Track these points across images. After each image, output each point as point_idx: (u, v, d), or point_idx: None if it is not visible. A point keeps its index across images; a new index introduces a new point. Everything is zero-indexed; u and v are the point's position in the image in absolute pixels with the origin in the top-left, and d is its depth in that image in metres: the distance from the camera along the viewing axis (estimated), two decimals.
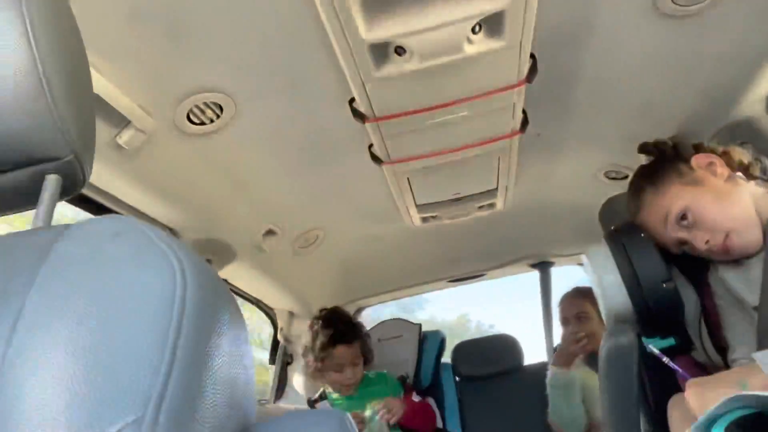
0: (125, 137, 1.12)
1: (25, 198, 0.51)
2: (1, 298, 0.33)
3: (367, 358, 2.15)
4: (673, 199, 1.08)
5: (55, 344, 0.30)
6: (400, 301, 2.98)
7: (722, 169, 1.10)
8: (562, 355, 2.13)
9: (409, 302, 3.28)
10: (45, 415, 0.27)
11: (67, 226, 0.38)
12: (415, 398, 2.11)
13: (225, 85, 1.15)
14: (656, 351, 1.03)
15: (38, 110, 0.47)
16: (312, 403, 2.18)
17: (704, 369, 1.13)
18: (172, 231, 1.54)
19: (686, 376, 0.99)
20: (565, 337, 2.18)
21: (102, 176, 1.24)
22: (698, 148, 1.16)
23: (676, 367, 1.02)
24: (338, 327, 2.10)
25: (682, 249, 1.12)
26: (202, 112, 1.21)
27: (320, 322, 2.14)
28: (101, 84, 1.02)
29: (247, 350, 0.37)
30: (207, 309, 0.33)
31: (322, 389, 2.19)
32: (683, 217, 1.07)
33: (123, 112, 1.08)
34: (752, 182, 1.12)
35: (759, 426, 0.79)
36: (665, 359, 1.00)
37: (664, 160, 1.17)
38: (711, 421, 0.79)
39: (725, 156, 1.14)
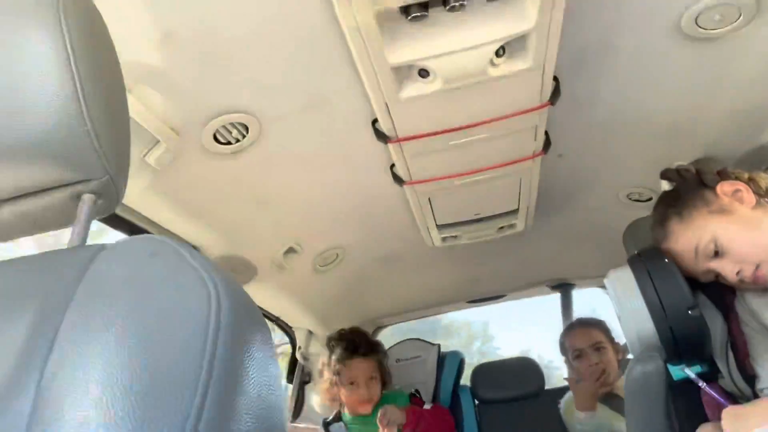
0: (154, 156, 1.15)
1: (60, 217, 0.52)
2: (39, 316, 0.34)
3: (384, 378, 2.11)
4: (701, 230, 1.06)
5: (93, 363, 0.30)
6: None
7: (749, 196, 1.08)
8: (583, 397, 2.04)
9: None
10: None
11: (104, 246, 0.39)
12: (427, 406, 2.06)
13: (251, 105, 1.17)
14: (693, 375, 1.01)
15: (77, 133, 0.49)
16: (326, 425, 2.13)
17: (732, 397, 1.10)
18: (195, 248, 1.56)
19: (724, 403, 0.96)
20: (582, 371, 2.12)
21: (130, 194, 1.27)
22: (722, 174, 1.15)
23: (713, 393, 0.99)
24: (355, 341, 2.09)
25: (711, 278, 1.10)
26: (228, 132, 1.23)
27: (338, 335, 2.15)
28: (133, 104, 1.05)
29: (276, 373, 0.38)
30: (240, 330, 0.33)
31: (336, 411, 2.15)
32: (712, 247, 1.05)
33: (152, 132, 1.11)
34: None
35: None
36: (702, 384, 0.98)
37: (687, 187, 1.16)
38: None
39: (751, 182, 1.12)
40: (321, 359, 2.19)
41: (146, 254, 0.36)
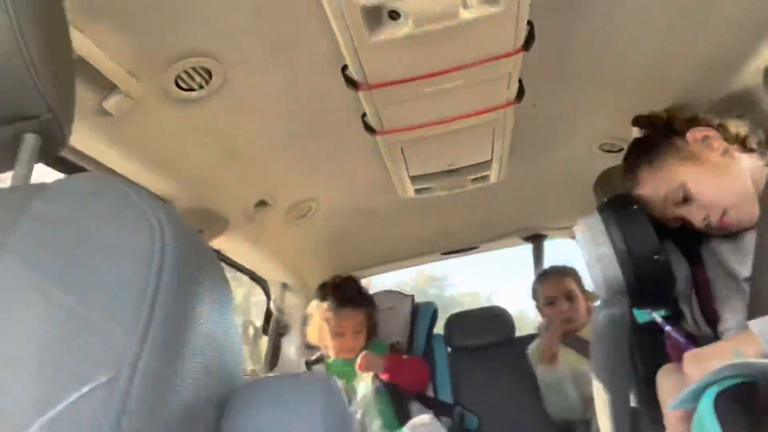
0: (112, 102, 1.09)
1: (2, 158, 0.49)
2: None
3: (370, 330, 2.15)
4: (670, 176, 1.07)
5: (28, 303, 0.28)
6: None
7: (718, 143, 1.09)
8: (547, 352, 2.12)
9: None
10: (16, 373, 0.26)
11: (43, 185, 0.37)
12: (404, 357, 2.12)
13: (213, 49, 1.12)
14: (658, 318, 1.04)
15: (14, 67, 0.45)
16: (308, 365, 2.19)
17: (694, 339, 1.13)
18: (162, 200, 1.52)
19: (686, 345, 0.99)
20: (552, 317, 2.19)
21: (90, 143, 1.22)
22: (693, 121, 1.15)
23: (677, 335, 1.03)
24: (347, 291, 2.13)
25: (678, 224, 1.11)
26: (191, 77, 1.18)
27: (331, 283, 2.19)
28: (87, 47, 0.99)
29: (230, 314, 0.36)
30: (187, 270, 0.32)
31: (319, 353, 2.20)
32: (681, 193, 1.06)
33: (109, 77, 1.05)
34: (748, 155, 1.11)
35: (748, 394, 0.79)
36: (667, 327, 1.01)
37: (658, 135, 1.16)
38: (702, 388, 0.79)
39: (721, 129, 1.13)
40: (313, 302, 2.22)
41: (87, 192, 0.33)
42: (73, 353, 0.27)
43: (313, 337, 2.19)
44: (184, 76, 1.17)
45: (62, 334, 0.27)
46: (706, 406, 0.78)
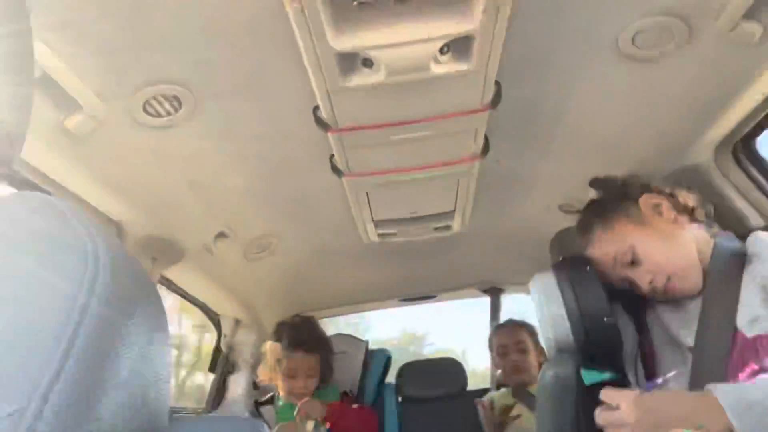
0: (74, 122, 1.08)
1: None
2: None
3: (325, 374, 2.12)
4: (621, 239, 1.11)
5: None
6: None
7: (668, 212, 1.14)
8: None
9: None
10: None
11: None
12: (354, 406, 2.08)
13: (185, 78, 1.12)
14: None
15: None
16: (257, 406, 2.14)
17: None
18: (116, 225, 1.48)
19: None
20: (504, 367, 2.21)
21: (49, 161, 1.19)
22: (646, 188, 1.20)
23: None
24: (303, 334, 2.10)
25: (626, 286, 1.14)
26: (160, 104, 1.17)
27: (289, 323, 2.16)
28: (55, 64, 0.97)
29: (164, 351, 0.35)
30: (119, 299, 0.31)
31: (271, 394, 2.16)
32: (629, 255, 1.09)
33: (74, 95, 1.03)
34: (695, 225, 1.16)
35: None
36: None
37: (612, 197, 1.20)
38: None
39: (671, 198, 1.17)
40: (268, 342, 2.18)
41: (26, 211, 0.32)
42: None
43: (265, 376, 2.14)
44: (153, 102, 1.16)
45: None
46: None
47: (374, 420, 2.10)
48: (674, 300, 1.11)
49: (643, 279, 1.07)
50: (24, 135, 0.51)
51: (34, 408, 0.25)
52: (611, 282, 1.14)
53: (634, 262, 1.08)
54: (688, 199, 1.19)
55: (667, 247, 1.07)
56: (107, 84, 1.08)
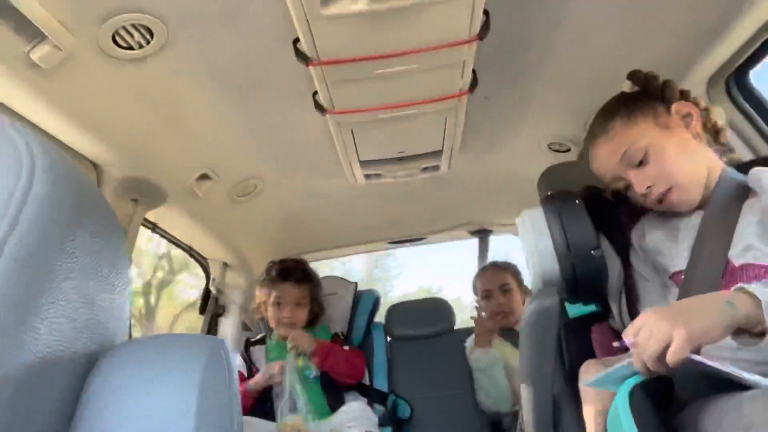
0: (39, 53, 1.02)
1: None
2: None
3: (314, 308, 2.15)
4: (640, 135, 1.06)
5: None
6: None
7: (696, 124, 1.10)
8: (480, 336, 2.16)
9: None
10: None
11: None
12: (345, 348, 2.11)
13: (155, 6, 1.06)
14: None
15: None
16: (247, 344, 2.16)
17: (617, 337, 1.16)
18: (95, 165, 1.44)
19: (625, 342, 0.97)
20: (488, 310, 2.23)
21: (15, 96, 1.13)
22: (685, 95, 1.15)
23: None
24: (288, 267, 2.14)
25: (617, 189, 1.11)
26: (130, 35, 1.11)
27: (278, 261, 2.20)
28: None
29: (120, 273, 0.33)
30: (56, 215, 0.28)
31: (263, 334, 2.18)
32: (640, 155, 1.05)
33: (38, 25, 0.97)
34: (713, 148, 1.12)
35: (666, 386, 0.81)
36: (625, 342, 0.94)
37: (646, 95, 1.15)
38: (618, 376, 0.80)
39: (704, 112, 1.13)
40: (237, 296, 2.25)
41: None
42: None
43: (255, 313, 2.20)
44: (123, 33, 1.10)
45: None
46: (621, 401, 0.78)
47: (363, 361, 2.14)
48: (665, 220, 1.10)
49: (642, 183, 1.04)
50: None
51: None
52: (604, 179, 1.11)
53: (641, 163, 1.05)
54: (719, 118, 1.14)
55: (681, 159, 1.04)
56: (73, 12, 1.02)
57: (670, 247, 1.06)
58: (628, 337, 0.78)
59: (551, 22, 1.28)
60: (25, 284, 0.26)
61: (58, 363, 0.28)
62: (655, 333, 0.74)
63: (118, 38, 1.10)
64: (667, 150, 1.04)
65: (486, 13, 1.19)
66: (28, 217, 0.26)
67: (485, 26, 1.22)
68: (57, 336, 0.28)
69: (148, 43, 1.14)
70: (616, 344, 0.83)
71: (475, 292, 2.33)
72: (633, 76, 1.19)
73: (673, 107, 1.10)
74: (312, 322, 2.14)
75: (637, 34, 1.30)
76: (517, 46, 1.37)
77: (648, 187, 1.04)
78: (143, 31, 1.11)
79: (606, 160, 1.10)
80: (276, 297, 2.08)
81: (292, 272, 2.12)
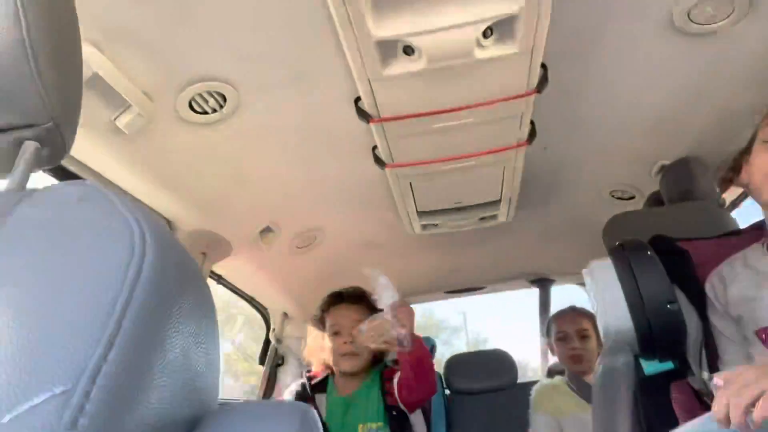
0: (124, 120, 1.10)
1: (2, 164, 0.49)
2: None
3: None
4: None
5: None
6: None
7: None
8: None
9: None
10: None
11: (33, 190, 0.36)
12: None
13: (229, 74, 1.13)
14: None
15: (20, 74, 0.45)
16: (312, 390, 1.81)
17: (699, 397, 1.09)
18: (167, 221, 1.52)
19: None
20: (562, 354, 2.13)
21: (99, 159, 1.22)
22: None
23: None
24: (341, 292, 1.86)
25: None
26: (205, 100, 1.19)
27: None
28: (103, 64, 1.00)
29: (212, 336, 0.35)
30: (165, 284, 0.31)
31: (324, 376, 1.84)
32: None
33: (123, 95, 1.06)
34: None
35: None
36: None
37: None
38: None
39: None
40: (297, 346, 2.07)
41: (74, 199, 0.33)
42: (32, 362, 0.25)
43: (310, 353, 1.90)
44: (199, 99, 1.18)
45: (24, 341, 0.26)
46: None
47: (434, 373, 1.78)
48: (747, 267, 1.03)
49: None
50: (74, 131, 0.52)
51: (82, 389, 0.25)
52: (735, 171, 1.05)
53: None
54: None
55: None
56: (155, 83, 1.10)
57: (756, 297, 1.00)
58: (721, 379, 0.73)
59: (609, 72, 1.28)
60: (141, 355, 0.28)
61: (160, 429, 0.29)
62: (751, 384, 0.70)
63: (194, 104, 1.18)
64: None
65: (544, 66, 1.20)
66: (142, 290, 0.29)
67: (543, 79, 1.23)
68: (164, 403, 0.29)
69: (221, 107, 1.21)
70: (715, 381, 0.77)
71: (549, 334, 2.25)
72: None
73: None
74: (376, 359, 1.81)
75: (701, 80, 1.28)
76: (576, 96, 1.37)
77: None
78: (217, 97, 1.19)
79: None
80: (331, 327, 1.77)
81: (345, 295, 1.83)
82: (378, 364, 1.83)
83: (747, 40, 1.13)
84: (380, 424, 1.72)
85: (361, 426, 1.71)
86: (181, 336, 0.31)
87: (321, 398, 1.82)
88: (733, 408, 0.70)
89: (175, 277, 0.32)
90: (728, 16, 1.08)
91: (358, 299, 1.80)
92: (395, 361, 1.77)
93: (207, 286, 0.37)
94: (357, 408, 1.75)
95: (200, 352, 0.33)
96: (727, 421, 0.71)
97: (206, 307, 0.35)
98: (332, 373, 1.84)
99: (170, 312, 0.31)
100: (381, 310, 1.70)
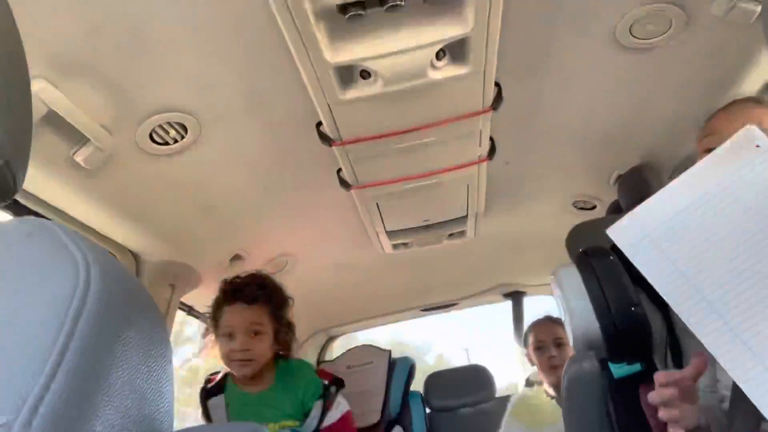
0: (83, 155, 1.10)
1: None
2: None
3: (281, 336, 1.58)
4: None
5: None
6: None
7: None
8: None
9: None
10: None
11: None
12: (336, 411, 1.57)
13: (188, 104, 1.14)
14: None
15: None
16: (206, 395, 1.61)
17: None
18: (133, 254, 1.50)
19: None
20: (540, 363, 2.16)
21: (59, 195, 1.21)
22: None
23: None
24: (238, 284, 1.57)
25: (708, 148, 1.08)
26: (166, 131, 1.19)
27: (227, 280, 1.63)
28: (58, 100, 1.00)
29: (164, 365, 0.35)
30: (112, 314, 0.31)
31: (220, 378, 1.64)
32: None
33: (81, 130, 1.06)
34: None
35: None
36: None
37: None
38: None
39: None
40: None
41: (22, 234, 0.33)
42: None
43: (206, 354, 1.65)
44: (159, 131, 1.18)
45: None
46: None
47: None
48: None
49: None
50: (25, 168, 0.52)
51: (23, 419, 0.25)
52: (704, 135, 1.08)
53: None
54: None
55: None
56: (113, 116, 1.10)
57: None
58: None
59: (560, 87, 1.32)
60: (85, 384, 0.28)
61: None
62: None
63: (155, 135, 1.19)
64: None
65: (498, 84, 1.24)
66: (86, 321, 0.29)
67: (498, 97, 1.27)
68: (108, 431, 0.30)
69: (182, 137, 1.22)
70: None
71: (526, 344, 2.28)
72: None
73: None
74: (280, 355, 1.61)
75: (647, 92, 1.33)
76: (531, 112, 1.42)
77: None
78: (177, 128, 1.19)
79: (733, 120, 1.06)
80: (224, 327, 1.52)
81: (241, 290, 1.54)
82: (281, 356, 1.63)
83: (684, 54, 1.19)
84: (297, 423, 1.54)
85: (272, 425, 1.52)
86: (128, 364, 0.32)
87: (217, 401, 1.60)
88: None
89: (122, 307, 0.33)
90: (666, 32, 1.14)
91: (254, 298, 1.54)
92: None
93: (160, 316, 0.37)
94: (268, 406, 1.56)
95: (150, 381, 0.34)
96: None
97: (157, 336, 0.36)
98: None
99: (116, 341, 0.31)
100: (284, 306, 1.60)
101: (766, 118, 1.05)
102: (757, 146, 0.63)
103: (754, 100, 1.13)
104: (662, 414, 0.81)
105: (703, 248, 0.61)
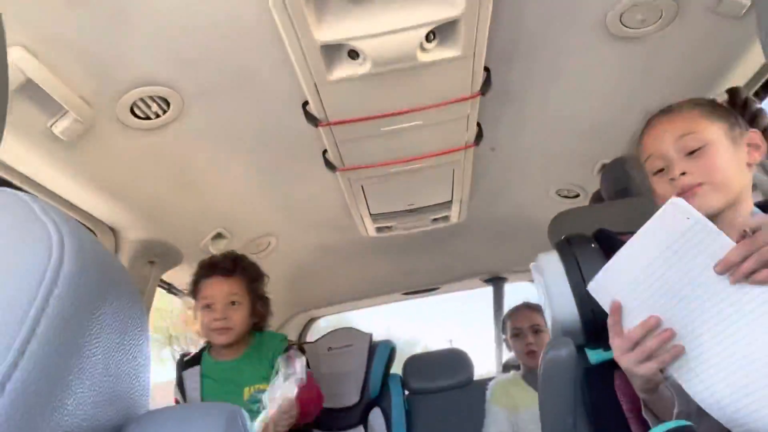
0: (61, 126, 1.07)
1: None
2: None
3: (257, 308, 1.67)
4: (707, 131, 1.05)
5: None
6: None
7: (758, 157, 1.10)
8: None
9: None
10: None
11: None
12: (297, 368, 1.55)
13: (171, 79, 1.12)
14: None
15: None
16: (182, 366, 1.69)
17: None
18: (113, 230, 1.48)
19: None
20: (518, 349, 2.19)
21: (37, 168, 1.18)
22: (766, 131, 1.15)
23: None
24: (216, 259, 1.67)
25: (652, 168, 1.09)
26: (148, 105, 1.16)
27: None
28: (37, 70, 0.97)
29: (139, 341, 0.34)
30: (85, 290, 0.30)
31: (199, 348, 1.73)
32: (695, 145, 1.04)
33: (60, 101, 1.03)
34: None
35: None
36: None
37: (735, 109, 1.15)
38: None
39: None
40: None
41: None
42: None
43: (187, 327, 1.74)
44: (141, 105, 1.16)
45: None
46: None
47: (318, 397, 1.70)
48: None
49: (679, 167, 1.02)
50: (0, 134, 0.51)
51: None
52: (646, 155, 1.09)
53: (692, 153, 1.04)
54: None
55: (730, 167, 1.02)
56: (93, 88, 1.07)
57: None
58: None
59: (549, 75, 1.32)
60: (56, 362, 0.28)
61: None
62: None
63: (136, 109, 1.16)
64: (722, 154, 1.03)
65: (487, 69, 1.23)
66: (58, 297, 0.28)
67: (486, 82, 1.26)
68: (83, 410, 0.29)
69: (164, 112, 1.19)
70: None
71: (504, 331, 2.30)
72: (733, 93, 1.19)
73: (751, 133, 1.10)
74: (256, 326, 1.70)
75: (636, 82, 1.34)
76: (519, 98, 1.41)
77: (682, 173, 1.02)
78: (160, 102, 1.17)
79: (663, 135, 1.06)
80: (203, 299, 1.61)
81: (218, 265, 1.63)
82: (261, 326, 1.72)
83: (675, 43, 1.19)
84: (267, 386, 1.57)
85: (247, 389, 1.59)
86: (103, 342, 0.31)
87: (193, 371, 1.68)
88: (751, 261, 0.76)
89: (96, 282, 0.32)
90: (657, 21, 1.14)
91: (231, 271, 1.63)
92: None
93: (135, 292, 0.37)
94: (243, 372, 1.63)
95: (125, 358, 0.33)
96: (729, 268, 0.78)
97: (133, 312, 0.35)
98: (209, 343, 1.70)
99: (90, 317, 0.31)
100: (259, 280, 1.70)
101: (697, 127, 1.06)
102: (687, 219, 0.81)
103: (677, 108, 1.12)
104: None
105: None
